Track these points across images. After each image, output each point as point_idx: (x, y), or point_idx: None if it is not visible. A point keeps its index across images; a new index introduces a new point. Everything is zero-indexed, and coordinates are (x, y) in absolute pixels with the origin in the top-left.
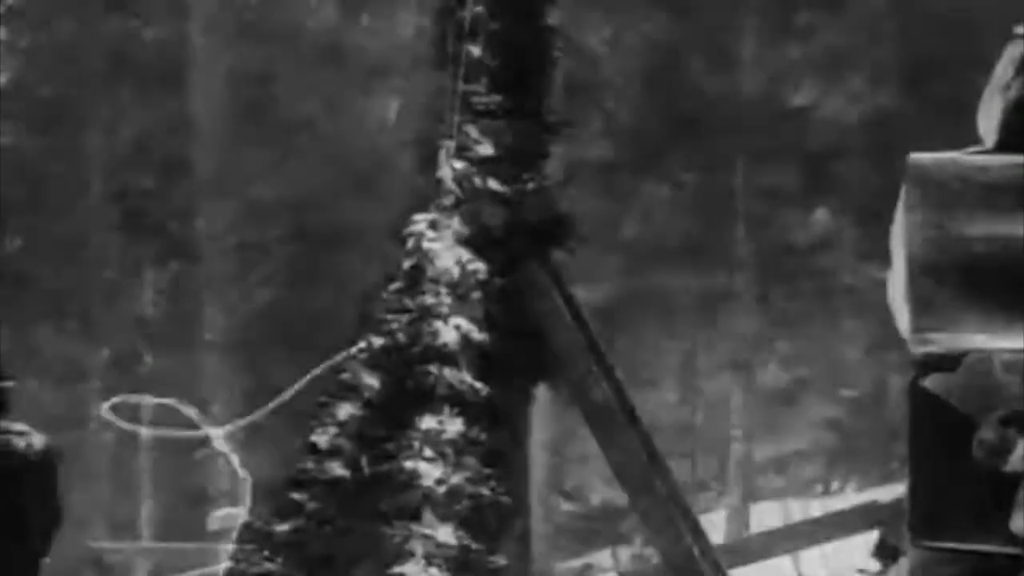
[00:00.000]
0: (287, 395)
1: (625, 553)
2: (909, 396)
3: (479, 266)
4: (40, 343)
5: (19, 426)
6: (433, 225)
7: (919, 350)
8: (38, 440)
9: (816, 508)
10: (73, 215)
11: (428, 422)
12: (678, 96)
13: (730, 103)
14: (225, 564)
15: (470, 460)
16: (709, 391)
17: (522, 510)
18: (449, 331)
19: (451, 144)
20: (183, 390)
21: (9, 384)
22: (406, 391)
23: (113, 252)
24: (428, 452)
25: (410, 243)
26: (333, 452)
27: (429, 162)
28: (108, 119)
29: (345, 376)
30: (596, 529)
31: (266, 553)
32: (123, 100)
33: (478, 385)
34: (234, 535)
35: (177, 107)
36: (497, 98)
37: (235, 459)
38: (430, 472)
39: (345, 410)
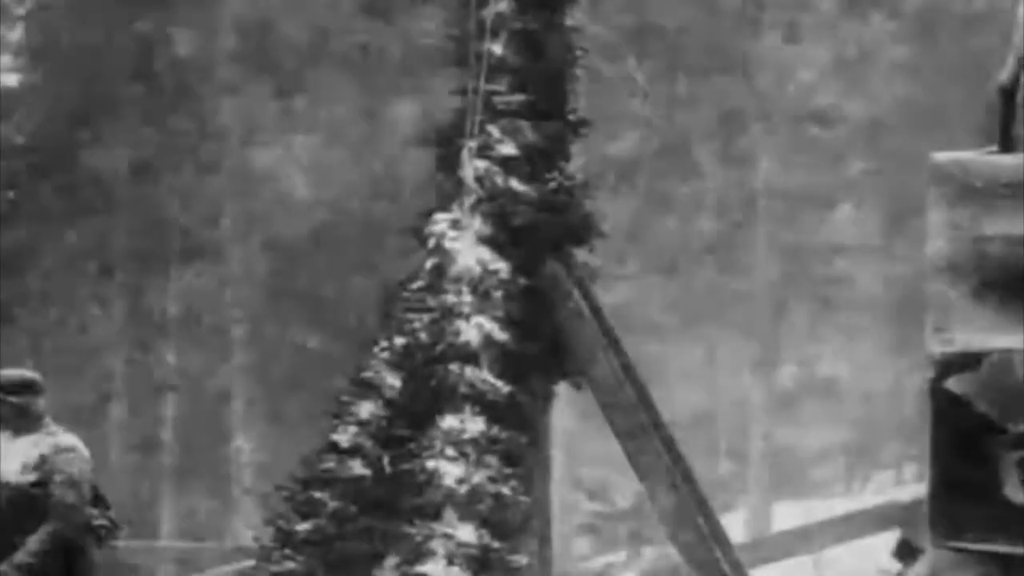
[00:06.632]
0: None
1: (646, 552)
2: (930, 396)
3: (501, 265)
4: (60, 340)
5: (55, 428)
6: (455, 224)
7: (939, 350)
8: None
9: (837, 507)
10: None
11: (449, 421)
12: (695, 95)
13: (750, 102)
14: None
15: (491, 459)
16: (730, 390)
17: (543, 509)
18: (471, 330)
19: (473, 144)
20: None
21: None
22: (428, 390)
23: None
24: (449, 451)
25: (432, 242)
26: (354, 451)
27: (451, 161)
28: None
29: (367, 375)
30: (617, 528)
31: (288, 551)
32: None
33: (499, 384)
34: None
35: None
36: (519, 97)
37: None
38: (451, 471)
39: (367, 409)
